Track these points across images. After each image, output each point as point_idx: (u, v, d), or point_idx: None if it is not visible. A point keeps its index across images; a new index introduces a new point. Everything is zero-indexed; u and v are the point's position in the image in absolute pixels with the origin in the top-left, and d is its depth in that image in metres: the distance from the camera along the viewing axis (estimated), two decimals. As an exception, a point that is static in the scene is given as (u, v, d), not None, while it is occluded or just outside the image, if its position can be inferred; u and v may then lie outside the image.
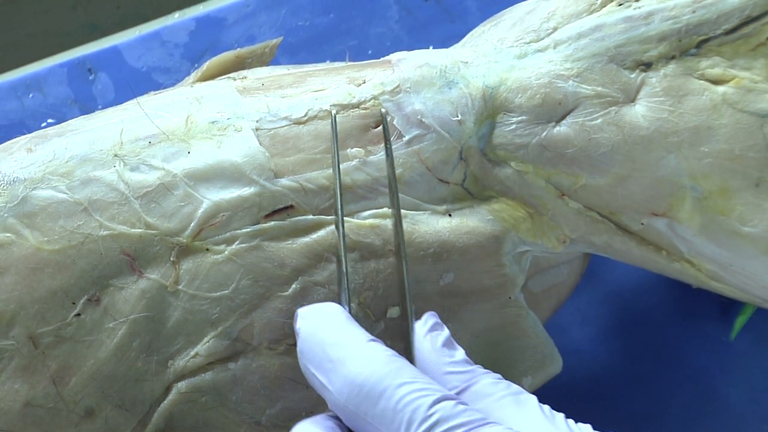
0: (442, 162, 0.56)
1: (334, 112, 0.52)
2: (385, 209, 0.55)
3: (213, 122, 0.55)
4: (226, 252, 0.53)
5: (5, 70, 0.81)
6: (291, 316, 0.52)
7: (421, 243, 0.54)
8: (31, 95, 0.76)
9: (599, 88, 0.56)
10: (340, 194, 0.53)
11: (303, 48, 0.77)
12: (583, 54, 0.57)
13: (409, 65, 0.58)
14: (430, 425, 0.43)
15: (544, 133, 0.56)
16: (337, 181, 0.53)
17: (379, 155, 0.55)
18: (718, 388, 0.66)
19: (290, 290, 0.53)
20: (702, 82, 0.56)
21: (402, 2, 0.79)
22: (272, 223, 0.53)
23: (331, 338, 0.46)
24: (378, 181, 0.55)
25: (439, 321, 0.51)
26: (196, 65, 0.76)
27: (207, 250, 0.53)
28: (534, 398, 0.47)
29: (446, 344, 0.50)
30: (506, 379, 0.48)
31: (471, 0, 0.79)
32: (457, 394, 0.47)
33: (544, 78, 0.57)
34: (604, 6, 0.58)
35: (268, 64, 0.65)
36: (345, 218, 0.54)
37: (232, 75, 0.61)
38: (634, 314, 0.69)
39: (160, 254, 0.52)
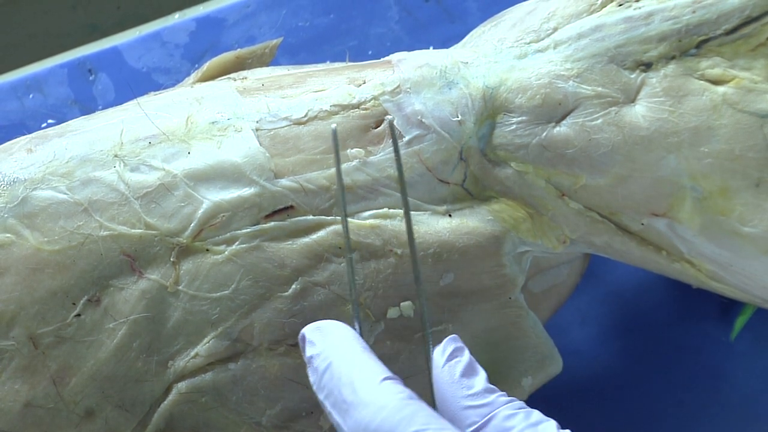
0: (442, 162, 0.56)
1: (334, 126, 0.52)
2: (386, 209, 0.55)
3: (213, 123, 0.55)
4: (226, 252, 0.53)
5: (5, 70, 0.81)
6: (291, 317, 0.52)
7: (421, 243, 0.54)
8: (31, 96, 0.76)
9: (599, 89, 0.56)
10: (345, 212, 0.52)
11: (303, 48, 0.77)
12: (583, 54, 0.57)
13: (409, 66, 0.58)
14: None
15: (544, 134, 0.56)
16: (341, 193, 0.52)
17: (379, 155, 0.55)
18: (718, 388, 0.66)
19: (290, 290, 0.53)
20: (702, 82, 0.56)
21: (402, 3, 0.79)
22: (272, 223, 0.53)
23: (345, 377, 0.46)
24: (378, 182, 0.55)
25: (460, 344, 0.50)
26: (196, 66, 0.76)
27: (207, 250, 0.53)
28: (553, 423, 0.47)
29: (466, 373, 0.49)
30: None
31: (471, 0, 0.79)
32: (476, 430, 0.47)
33: (544, 78, 0.57)
34: (604, 6, 0.58)
35: (268, 65, 0.65)
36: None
37: (232, 75, 0.61)
38: (634, 314, 0.69)
39: (160, 255, 0.52)
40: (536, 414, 0.47)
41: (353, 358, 0.47)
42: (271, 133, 0.55)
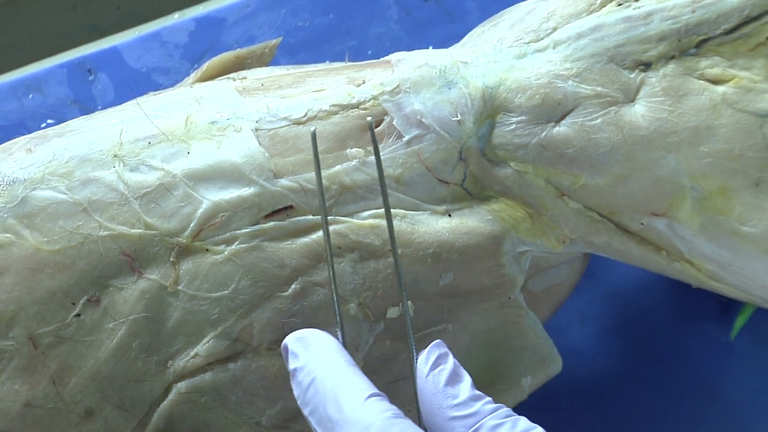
0: (441, 162, 0.56)
1: (313, 129, 0.52)
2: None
3: (212, 122, 0.55)
4: (225, 252, 0.53)
5: (5, 70, 0.81)
6: (291, 317, 0.52)
7: (420, 243, 0.54)
8: (30, 96, 0.76)
9: (599, 88, 0.56)
10: (326, 221, 0.52)
11: (303, 48, 0.77)
12: (583, 54, 0.57)
13: (408, 65, 0.58)
14: None
15: (544, 133, 0.56)
16: (321, 198, 0.52)
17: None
18: (718, 388, 0.66)
19: (290, 290, 0.53)
20: (701, 82, 0.56)
21: (402, 2, 0.79)
22: (272, 223, 0.53)
23: (330, 393, 0.46)
24: (378, 182, 0.55)
25: (445, 350, 0.49)
26: (196, 66, 0.76)
27: (207, 250, 0.53)
28: (540, 431, 0.46)
29: (450, 381, 0.48)
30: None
31: (471, 0, 0.79)
32: None
33: (543, 78, 0.57)
34: (604, 6, 0.58)
35: (267, 65, 0.65)
36: (345, 218, 0.54)
37: (231, 75, 0.61)
38: (634, 314, 0.69)
39: (159, 255, 0.52)
40: (523, 422, 0.46)
41: (337, 374, 0.47)
42: (271, 132, 0.55)
